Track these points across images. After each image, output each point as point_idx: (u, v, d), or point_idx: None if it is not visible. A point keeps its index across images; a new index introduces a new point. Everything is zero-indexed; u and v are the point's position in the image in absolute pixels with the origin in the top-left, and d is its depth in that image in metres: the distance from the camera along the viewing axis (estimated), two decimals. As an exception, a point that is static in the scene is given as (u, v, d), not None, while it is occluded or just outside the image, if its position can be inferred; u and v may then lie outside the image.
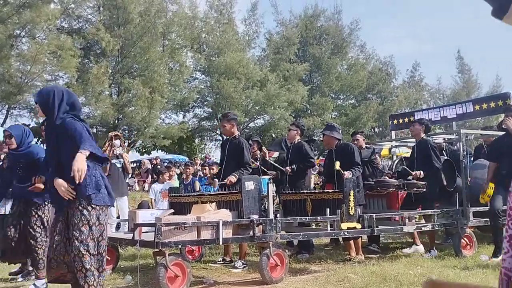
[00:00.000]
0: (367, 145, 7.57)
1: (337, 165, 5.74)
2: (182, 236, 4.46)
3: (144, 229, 4.98)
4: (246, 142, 6.02)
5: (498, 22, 1.06)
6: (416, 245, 6.34)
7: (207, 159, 17.25)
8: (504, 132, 6.03)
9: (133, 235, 4.64)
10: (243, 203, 5.00)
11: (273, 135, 22.02)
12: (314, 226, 6.58)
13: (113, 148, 7.01)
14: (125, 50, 18.24)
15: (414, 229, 6.01)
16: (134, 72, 19.24)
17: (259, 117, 23.08)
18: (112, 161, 7.10)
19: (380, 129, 27.53)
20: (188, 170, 9.09)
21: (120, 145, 7.40)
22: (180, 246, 4.59)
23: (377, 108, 25.61)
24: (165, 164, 18.93)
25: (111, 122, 18.23)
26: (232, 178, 5.51)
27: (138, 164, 18.91)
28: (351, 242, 6.00)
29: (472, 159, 7.54)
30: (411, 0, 54.66)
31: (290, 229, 5.94)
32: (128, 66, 18.84)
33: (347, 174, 5.67)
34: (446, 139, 7.55)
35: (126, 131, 19.56)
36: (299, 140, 6.78)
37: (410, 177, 6.33)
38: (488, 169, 6.05)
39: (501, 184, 5.79)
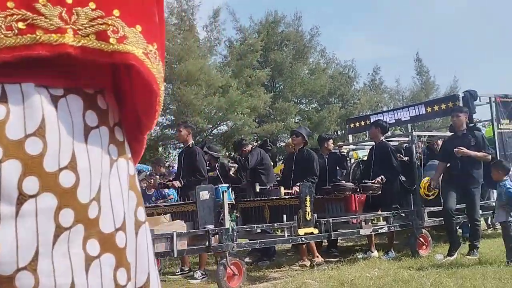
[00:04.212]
0: (342, 152, 7.74)
1: (282, 192, 5.91)
2: (134, 249, 4.35)
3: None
4: (200, 150, 6.03)
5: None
6: (371, 251, 6.42)
7: (172, 168, 17.05)
8: (452, 133, 6.20)
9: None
10: (198, 213, 4.94)
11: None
12: (278, 233, 6.63)
13: None
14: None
15: (371, 232, 6.09)
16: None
17: (222, 123, 23.02)
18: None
19: (343, 132, 27.94)
20: (152, 180, 8.88)
21: None
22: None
23: (340, 112, 26.00)
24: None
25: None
26: (176, 183, 5.57)
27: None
28: (304, 247, 6.03)
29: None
30: (371, 5, 55.90)
31: (251, 236, 5.92)
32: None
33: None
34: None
35: (86, 142, 19.06)
36: (254, 147, 6.84)
37: (367, 181, 6.43)
38: (437, 168, 6.21)
39: (452, 184, 5.94)
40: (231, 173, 7.89)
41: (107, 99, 0.74)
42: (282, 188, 6.15)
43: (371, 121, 7.82)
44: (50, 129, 0.64)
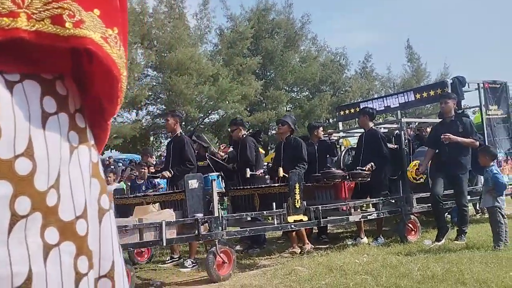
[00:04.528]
0: (332, 139, 7.74)
1: (280, 172, 5.87)
2: (123, 239, 4.35)
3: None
4: (188, 139, 6.00)
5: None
6: (361, 238, 6.47)
7: (163, 158, 17.00)
8: (441, 120, 6.23)
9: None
10: (187, 202, 4.94)
11: (229, 129, 21.93)
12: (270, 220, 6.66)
13: None
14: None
15: (360, 218, 6.13)
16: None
17: (213, 112, 22.96)
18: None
19: (334, 119, 27.99)
20: (143, 170, 8.86)
21: None
22: (121, 250, 4.47)
23: (331, 100, 26.01)
24: (120, 164, 18.56)
25: (60, 123, 17.58)
26: (166, 173, 5.54)
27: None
28: (294, 234, 6.05)
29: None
30: (361, -8, 55.77)
31: (241, 224, 5.94)
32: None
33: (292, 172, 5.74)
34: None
35: (77, 132, 18.93)
36: (244, 136, 6.80)
37: (357, 168, 6.45)
38: (425, 155, 6.25)
39: (440, 171, 5.99)
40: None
41: (67, 84, 0.72)
42: (280, 168, 6.10)
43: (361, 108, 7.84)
44: (4, 115, 0.63)
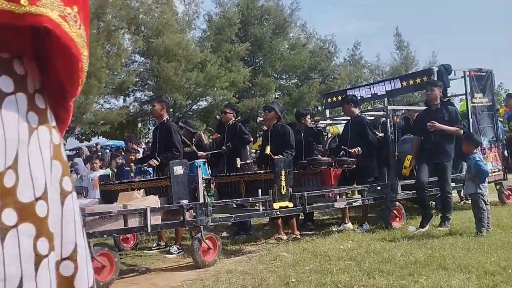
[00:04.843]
0: (318, 127, 7.75)
1: (268, 149, 5.84)
2: (107, 225, 4.34)
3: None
4: (175, 125, 5.96)
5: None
6: (345, 223, 6.52)
7: (151, 144, 16.90)
8: (427, 107, 6.26)
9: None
10: (172, 188, 4.93)
11: (217, 116, 21.85)
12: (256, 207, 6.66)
13: None
14: (57, 33, 17.38)
15: (345, 205, 6.18)
16: (69, 56, 18.39)
17: (201, 99, 22.83)
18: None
19: (323, 107, 28.03)
20: (131, 156, 8.81)
21: None
22: (105, 236, 4.46)
23: (320, 87, 25.97)
24: (107, 150, 18.45)
25: (46, 109, 17.36)
26: (153, 162, 5.51)
27: (77, 151, 18.27)
28: (279, 221, 6.08)
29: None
30: (351, -21, 55.50)
31: (227, 211, 5.95)
32: (61, 50, 17.94)
33: (278, 157, 5.73)
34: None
35: (63, 118, 18.74)
36: (234, 122, 6.78)
37: (342, 153, 6.48)
38: (412, 143, 6.29)
39: (425, 158, 6.04)
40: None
41: (26, 64, 0.70)
42: (268, 147, 6.11)
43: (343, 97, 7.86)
44: None
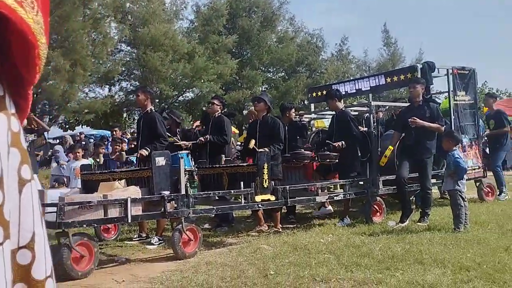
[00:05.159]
0: (302, 121, 7.76)
1: (252, 143, 5.84)
2: (87, 215, 4.31)
3: (49, 209, 4.76)
4: (159, 115, 5.92)
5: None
6: (325, 207, 6.55)
7: (136, 134, 16.78)
8: (409, 104, 6.32)
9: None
10: (154, 179, 4.91)
11: (204, 108, 21.77)
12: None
13: None
14: (42, 19, 17.10)
15: (327, 199, 6.22)
16: (53, 43, 18.13)
17: (188, 90, 22.71)
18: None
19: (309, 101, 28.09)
20: (117, 146, 8.73)
21: (29, 125, 7.01)
22: (85, 226, 4.43)
23: (307, 81, 26.01)
24: (91, 140, 18.28)
25: (29, 97, 17.11)
26: (143, 152, 5.46)
27: (60, 140, 18.08)
28: (260, 213, 6.09)
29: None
30: (340, -26, 55.51)
31: (210, 203, 5.94)
32: (45, 37, 17.67)
33: (262, 150, 5.71)
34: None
35: (46, 106, 18.54)
36: (220, 114, 6.75)
37: (325, 148, 6.50)
38: (391, 138, 6.35)
39: (406, 154, 6.10)
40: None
41: None
42: (252, 140, 6.09)
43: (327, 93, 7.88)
44: None
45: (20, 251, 0.72)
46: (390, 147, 6.23)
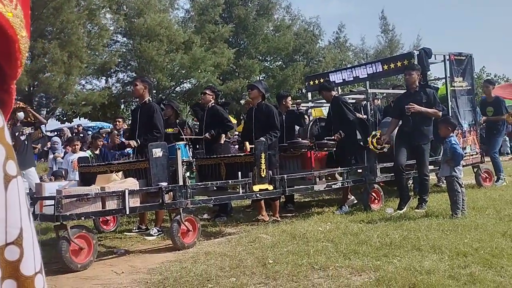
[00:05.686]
0: (300, 109, 7.74)
1: (247, 146, 5.86)
2: (85, 207, 4.32)
3: (47, 202, 4.77)
4: (157, 106, 5.88)
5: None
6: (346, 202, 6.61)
7: (130, 125, 16.76)
8: (406, 91, 6.31)
9: (33, 209, 4.43)
10: (151, 170, 4.91)
11: (202, 92, 21.70)
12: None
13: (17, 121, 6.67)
14: (36, 10, 16.95)
15: (325, 188, 6.23)
16: (49, 35, 18.04)
17: (185, 81, 22.65)
18: (16, 133, 6.70)
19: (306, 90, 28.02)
20: (115, 139, 8.72)
21: (26, 118, 7.01)
22: (83, 218, 4.44)
23: (304, 70, 25.95)
24: (89, 132, 18.24)
25: (25, 89, 17.09)
26: (132, 143, 5.47)
27: (58, 133, 18.05)
28: (261, 203, 6.10)
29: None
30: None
31: (208, 193, 5.95)
32: (41, 29, 17.56)
33: (259, 140, 5.71)
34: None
35: (44, 99, 18.50)
36: (213, 104, 6.74)
37: (326, 138, 6.50)
38: (389, 124, 6.34)
39: (403, 140, 6.10)
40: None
41: None
42: (247, 143, 6.10)
43: (330, 79, 7.88)
44: None
45: (7, 247, 0.72)
46: (376, 132, 6.25)
